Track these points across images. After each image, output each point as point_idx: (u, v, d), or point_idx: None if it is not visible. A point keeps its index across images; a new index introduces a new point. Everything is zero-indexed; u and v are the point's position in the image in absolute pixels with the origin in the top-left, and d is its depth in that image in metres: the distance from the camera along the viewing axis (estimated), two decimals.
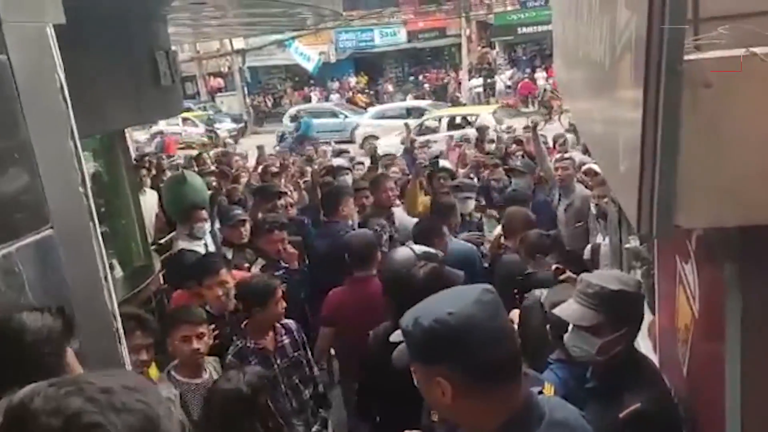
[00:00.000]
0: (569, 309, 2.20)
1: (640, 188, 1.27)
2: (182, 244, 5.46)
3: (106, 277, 2.85)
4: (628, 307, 2.14)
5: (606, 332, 2.11)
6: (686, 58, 1.18)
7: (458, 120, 18.14)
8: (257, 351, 3.31)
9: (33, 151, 2.50)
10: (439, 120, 18.62)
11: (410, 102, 25.07)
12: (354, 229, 4.79)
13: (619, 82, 1.52)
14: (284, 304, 3.42)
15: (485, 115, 16.40)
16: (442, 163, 7.57)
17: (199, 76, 32.54)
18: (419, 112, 20.88)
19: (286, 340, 3.44)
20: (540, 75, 25.65)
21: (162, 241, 7.05)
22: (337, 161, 9.35)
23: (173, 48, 6.38)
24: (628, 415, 2.01)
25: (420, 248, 2.96)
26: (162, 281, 6.37)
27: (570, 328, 2.22)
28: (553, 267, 2.99)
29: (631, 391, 2.07)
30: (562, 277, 2.92)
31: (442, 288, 1.51)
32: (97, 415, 0.82)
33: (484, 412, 1.40)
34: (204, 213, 5.45)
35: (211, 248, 5.39)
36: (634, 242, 3.20)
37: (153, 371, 3.24)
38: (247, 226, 5.02)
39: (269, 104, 31.54)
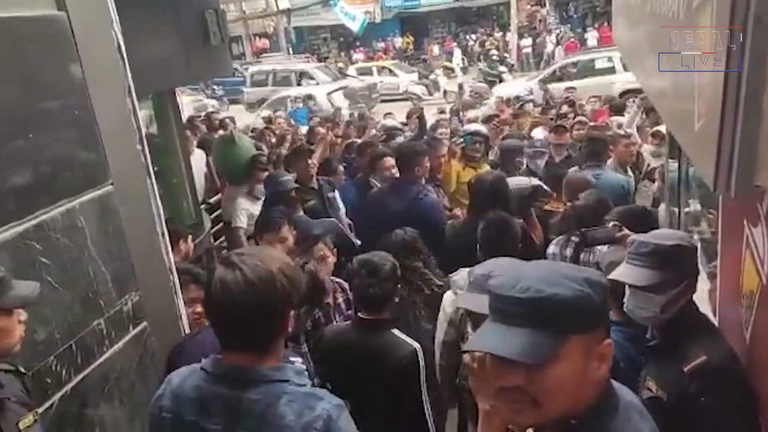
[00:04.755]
0: (626, 272, 2.17)
1: (719, 146, 1.22)
2: (243, 203, 5.53)
3: (163, 233, 2.93)
4: (685, 261, 2.13)
5: (667, 289, 2.11)
6: None
7: None
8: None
9: (93, 109, 2.55)
10: None
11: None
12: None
13: (697, 36, 1.45)
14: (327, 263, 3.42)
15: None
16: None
17: (245, 36, 32.56)
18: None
19: (341, 299, 3.48)
20: (591, 35, 24.80)
21: (212, 200, 7.18)
22: (390, 122, 9.23)
23: (221, 7, 6.36)
24: (695, 367, 1.99)
25: None
26: (212, 240, 6.51)
27: (628, 290, 2.19)
28: (611, 224, 2.93)
29: (695, 346, 2.05)
30: (619, 234, 2.86)
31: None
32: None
33: (589, 389, 1.25)
34: (265, 173, 5.48)
35: None
36: (694, 206, 3.10)
37: None
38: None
39: None
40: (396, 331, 2.86)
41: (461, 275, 3.11)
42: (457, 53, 27.34)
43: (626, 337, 2.59)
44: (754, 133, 1.16)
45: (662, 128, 5.51)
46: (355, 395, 2.67)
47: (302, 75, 22.03)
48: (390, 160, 5.10)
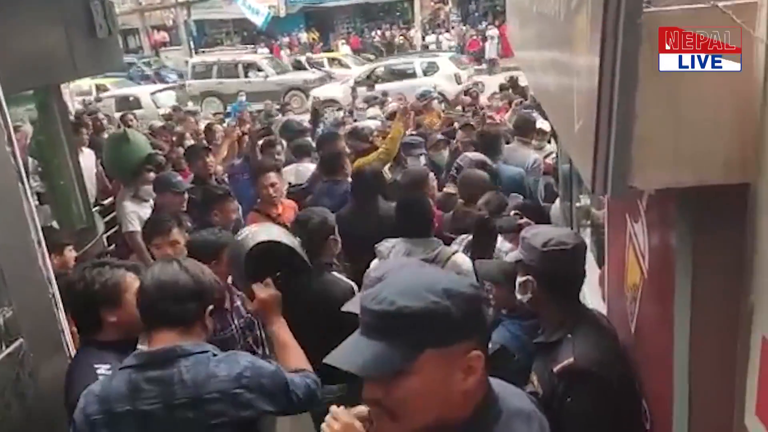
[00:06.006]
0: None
1: (596, 148, 1.23)
2: (129, 206, 5.28)
3: (39, 242, 2.71)
4: (531, 258, 2.21)
5: (519, 273, 2.30)
6: (646, 10, 1.12)
7: None
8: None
9: None
10: None
11: None
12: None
13: (575, 36, 1.46)
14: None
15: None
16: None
17: (142, 29, 31.23)
18: None
19: (239, 301, 3.37)
20: (491, 33, 25.49)
21: (105, 202, 6.82)
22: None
23: None
24: (561, 368, 2.04)
25: None
26: (106, 243, 6.18)
27: None
28: (512, 213, 3.04)
29: (570, 346, 2.09)
30: (520, 222, 2.97)
31: None
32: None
33: (456, 401, 1.23)
34: (153, 174, 5.27)
35: None
36: (584, 201, 3.22)
37: None
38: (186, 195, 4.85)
39: None
40: (335, 273, 3.21)
41: (385, 245, 3.43)
42: (345, 49, 27.29)
43: (524, 329, 2.66)
44: (628, 135, 1.17)
45: (544, 126, 5.82)
46: (302, 333, 2.74)
47: (249, 66, 21.30)
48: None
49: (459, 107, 9.98)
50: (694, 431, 1.58)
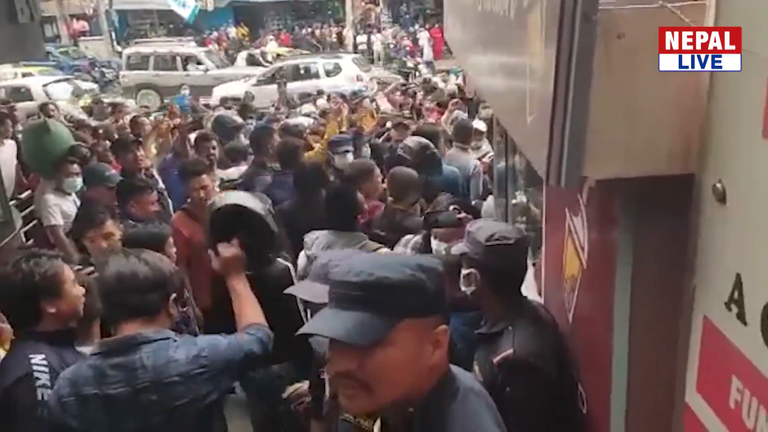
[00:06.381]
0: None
1: (551, 140, 1.28)
2: (52, 199, 5.08)
3: None
4: (476, 251, 2.28)
5: (462, 266, 2.34)
6: (600, 8, 1.18)
7: None
8: None
9: None
10: None
11: None
12: None
13: (528, 33, 1.51)
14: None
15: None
16: None
17: (60, 17, 29.78)
18: None
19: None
20: (422, 35, 25.81)
21: (22, 195, 6.49)
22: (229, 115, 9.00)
23: None
24: (500, 359, 2.10)
25: None
26: (24, 239, 5.89)
27: None
28: (451, 208, 3.09)
29: (510, 338, 2.15)
30: (459, 216, 3.03)
31: None
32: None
33: (424, 374, 1.27)
34: (76, 166, 5.08)
35: None
36: (520, 198, 3.32)
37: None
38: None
39: None
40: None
41: (310, 236, 3.55)
42: (273, 46, 27.01)
43: (464, 321, 2.72)
44: (582, 127, 1.23)
45: (480, 125, 6.01)
46: None
47: (188, 59, 20.63)
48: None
49: (390, 108, 10.05)
50: (632, 412, 1.67)
